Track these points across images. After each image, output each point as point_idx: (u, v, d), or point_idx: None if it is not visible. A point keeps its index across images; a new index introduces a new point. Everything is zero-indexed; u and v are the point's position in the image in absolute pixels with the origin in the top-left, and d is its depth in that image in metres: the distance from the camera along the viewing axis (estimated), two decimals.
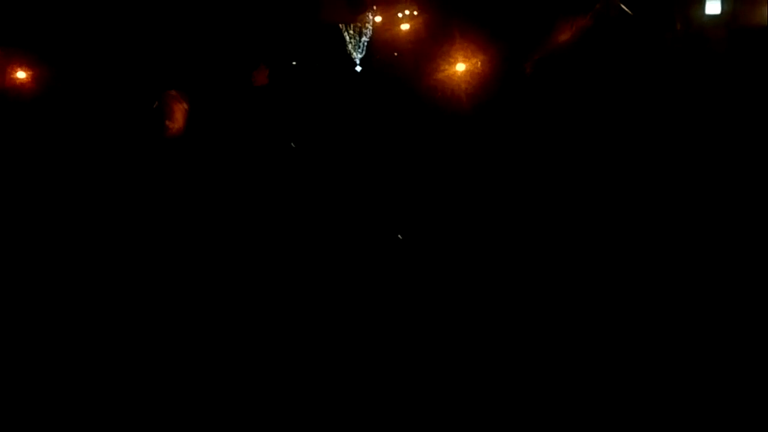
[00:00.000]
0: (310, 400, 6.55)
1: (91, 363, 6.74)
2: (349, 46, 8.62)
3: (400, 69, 8.67)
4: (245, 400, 6.50)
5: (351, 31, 8.55)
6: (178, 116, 7.80)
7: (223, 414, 6.32)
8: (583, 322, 7.32)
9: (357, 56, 8.65)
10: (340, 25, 8.56)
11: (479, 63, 8.30)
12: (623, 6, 7.56)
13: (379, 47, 8.54)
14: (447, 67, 8.49)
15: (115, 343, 6.95)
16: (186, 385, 6.62)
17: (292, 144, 7.89)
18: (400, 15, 8.38)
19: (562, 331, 7.23)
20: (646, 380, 6.42)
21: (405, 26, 8.54)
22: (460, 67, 8.39)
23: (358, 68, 8.70)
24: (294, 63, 8.56)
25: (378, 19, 8.57)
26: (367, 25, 8.52)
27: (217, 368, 6.78)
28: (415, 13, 8.44)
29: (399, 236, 7.39)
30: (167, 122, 7.78)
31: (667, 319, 6.98)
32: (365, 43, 8.57)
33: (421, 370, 6.87)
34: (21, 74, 7.83)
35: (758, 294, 6.74)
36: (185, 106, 7.91)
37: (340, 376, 6.78)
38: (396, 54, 8.61)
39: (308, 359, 6.89)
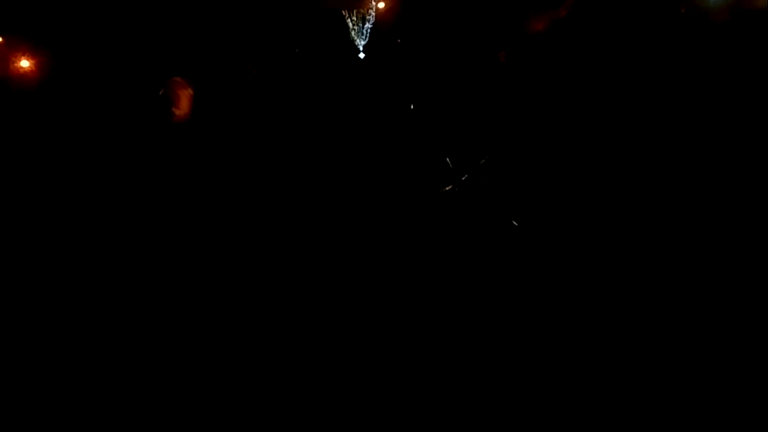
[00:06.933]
0: (310, 400, 6.62)
1: (91, 363, 6.83)
2: (352, 33, 8.56)
3: (404, 56, 8.65)
4: (245, 399, 6.57)
5: (354, 18, 8.49)
6: (184, 102, 7.81)
7: (223, 414, 6.38)
8: (579, 321, 7.33)
9: (360, 43, 8.59)
10: (343, 12, 8.49)
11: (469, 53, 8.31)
12: None
13: (382, 34, 8.51)
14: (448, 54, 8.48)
15: (115, 342, 7.03)
16: (186, 384, 6.69)
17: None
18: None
19: (560, 331, 7.25)
20: (646, 380, 6.44)
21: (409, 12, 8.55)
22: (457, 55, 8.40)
23: (362, 55, 8.65)
24: (297, 50, 8.52)
25: (381, 5, 8.51)
26: (370, 11, 8.45)
27: (217, 368, 6.86)
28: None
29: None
30: (173, 109, 7.78)
31: (666, 318, 6.98)
32: (368, 30, 8.51)
33: (421, 370, 6.91)
34: (24, 62, 7.82)
35: (758, 294, 6.74)
36: (191, 92, 7.90)
37: (340, 376, 6.84)
38: (399, 41, 8.60)
39: (308, 359, 6.96)
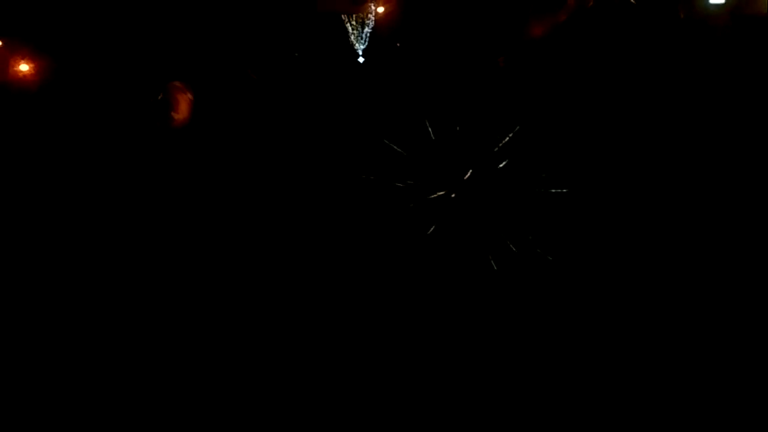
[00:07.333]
0: (310, 400, 6.59)
1: (91, 362, 6.80)
2: (352, 38, 8.56)
3: (404, 60, 8.64)
4: (245, 399, 6.54)
5: (353, 22, 8.49)
6: (184, 107, 7.78)
7: (223, 413, 6.36)
8: (578, 322, 7.29)
9: (359, 47, 8.59)
10: (342, 16, 8.50)
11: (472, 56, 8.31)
12: None
13: (382, 38, 8.51)
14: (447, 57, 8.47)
15: (115, 342, 7.01)
16: (186, 384, 6.67)
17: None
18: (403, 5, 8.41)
19: (560, 331, 7.21)
20: (646, 380, 6.42)
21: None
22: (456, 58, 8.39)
23: (361, 59, 8.65)
24: (296, 54, 8.52)
25: (380, 9, 8.51)
26: (369, 15, 8.45)
27: (217, 368, 6.83)
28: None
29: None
30: (172, 113, 7.76)
31: (667, 318, 6.96)
32: (368, 34, 8.51)
33: (421, 369, 6.88)
34: (25, 66, 7.80)
35: (758, 294, 6.71)
36: (190, 96, 7.88)
37: (340, 376, 6.81)
38: (399, 45, 8.60)
39: (308, 359, 6.93)
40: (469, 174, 8.02)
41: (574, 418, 6.48)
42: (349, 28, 8.40)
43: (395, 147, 8.23)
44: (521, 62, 8.44)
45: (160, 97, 7.88)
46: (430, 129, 8.21)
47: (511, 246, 7.72)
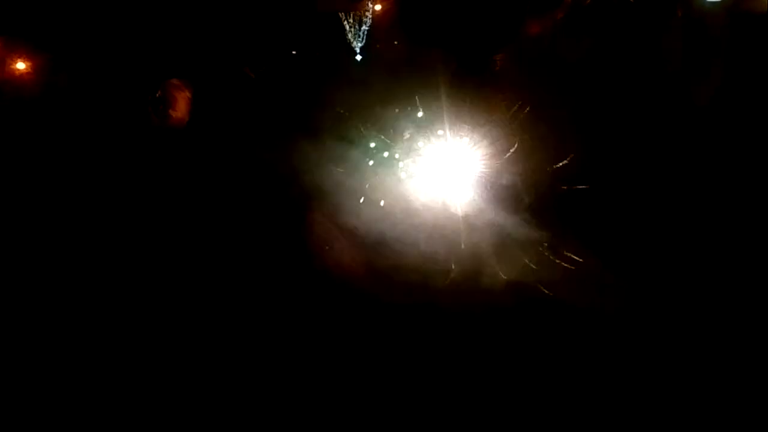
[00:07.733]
0: (309, 400, 6.59)
1: (91, 363, 6.80)
2: (349, 35, 8.56)
3: (401, 58, 8.65)
4: (245, 400, 6.55)
5: (350, 20, 8.49)
6: (181, 105, 7.78)
7: (223, 414, 6.36)
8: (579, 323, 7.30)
9: (357, 45, 8.60)
10: (340, 14, 8.50)
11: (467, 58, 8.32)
12: None
13: (379, 36, 8.52)
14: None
15: (115, 343, 7.01)
16: (186, 385, 6.67)
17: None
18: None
19: (559, 332, 7.22)
20: (646, 380, 6.43)
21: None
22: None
23: (358, 57, 8.66)
24: (294, 52, 8.52)
25: (378, 7, 8.52)
26: (366, 13, 8.46)
27: (216, 368, 6.83)
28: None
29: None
30: (170, 111, 7.76)
31: (667, 319, 6.97)
32: (365, 32, 8.52)
33: (420, 370, 6.89)
34: (21, 65, 7.79)
35: (758, 294, 6.72)
36: (188, 94, 7.87)
37: (339, 377, 6.82)
38: (396, 43, 8.60)
39: (308, 359, 6.93)
40: (469, 170, 7.99)
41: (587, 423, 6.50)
42: (347, 26, 8.41)
43: (391, 145, 8.23)
44: (519, 60, 8.44)
45: (157, 95, 7.88)
46: (429, 127, 8.21)
47: (519, 252, 7.68)
